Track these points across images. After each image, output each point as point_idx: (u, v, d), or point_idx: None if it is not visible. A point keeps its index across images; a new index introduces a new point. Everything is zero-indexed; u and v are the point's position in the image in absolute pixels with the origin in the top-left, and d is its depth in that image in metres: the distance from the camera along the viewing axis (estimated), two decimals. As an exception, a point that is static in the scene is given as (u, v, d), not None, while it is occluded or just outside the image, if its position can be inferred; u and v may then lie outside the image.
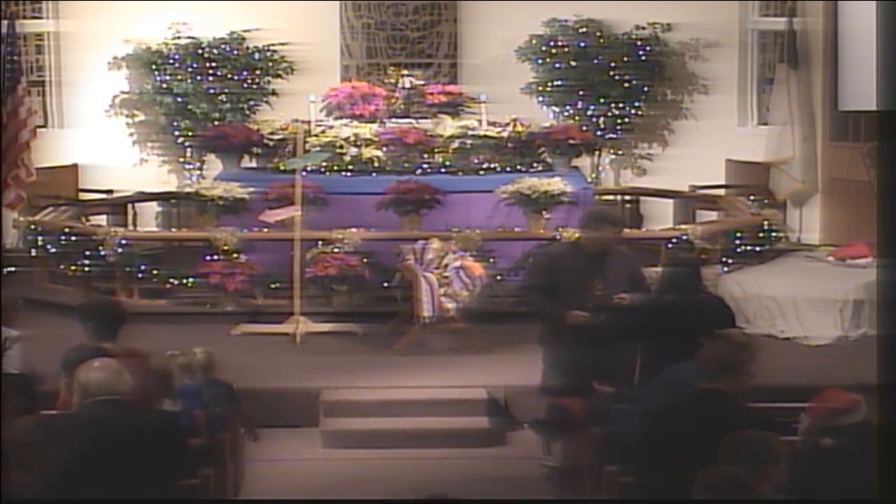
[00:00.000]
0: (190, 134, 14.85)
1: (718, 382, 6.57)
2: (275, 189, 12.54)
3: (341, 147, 13.32)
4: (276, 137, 13.50)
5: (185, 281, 12.26)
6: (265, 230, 12.23)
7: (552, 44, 15.06)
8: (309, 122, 13.53)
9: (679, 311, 8.31)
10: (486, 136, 13.51)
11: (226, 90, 14.90)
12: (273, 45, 15.05)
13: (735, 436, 5.82)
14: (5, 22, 13.87)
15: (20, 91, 13.75)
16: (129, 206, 14.59)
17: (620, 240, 9.18)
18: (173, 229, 14.55)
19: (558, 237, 12.31)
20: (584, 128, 14.21)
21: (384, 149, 13.35)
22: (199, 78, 14.89)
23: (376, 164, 13.30)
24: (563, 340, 8.79)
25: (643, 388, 7.81)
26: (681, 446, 6.41)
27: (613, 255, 8.93)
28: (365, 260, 12.13)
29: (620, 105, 15.05)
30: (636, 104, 15.13)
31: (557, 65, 15.03)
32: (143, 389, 6.90)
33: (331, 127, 13.57)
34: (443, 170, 13.33)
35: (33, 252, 12.81)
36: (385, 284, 12.01)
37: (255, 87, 15.05)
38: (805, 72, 14.84)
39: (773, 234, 13.02)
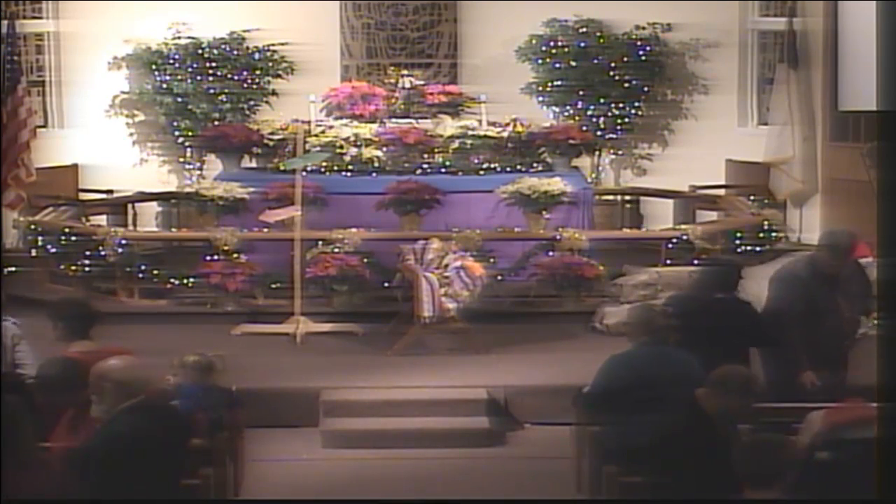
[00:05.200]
0: (190, 134, 14.86)
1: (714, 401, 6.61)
2: (275, 189, 12.55)
3: (341, 147, 13.32)
4: (276, 137, 13.51)
5: (185, 281, 12.26)
6: (265, 230, 12.23)
7: (552, 44, 15.07)
8: (309, 122, 13.54)
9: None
10: (486, 136, 13.51)
11: (226, 90, 14.92)
12: (273, 45, 15.06)
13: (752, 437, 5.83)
14: (5, 22, 13.87)
15: (20, 91, 13.75)
16: (129, 206, 14.59)
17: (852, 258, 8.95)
18: (173, 229, 14.56)
19: (558, 237, 12.32)
20: (584, 128, 14.22)
21: (384, 149, 13.36)
22: (199, 78, 14.91)
23: (376, 164, 13.30)
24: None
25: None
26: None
27: (850, 273, 8.80)
28: (365, 260, 12.12)
29: (620, 105, 15.06)
30: (636, 104, 15.14)
31: (557, 65, 15.03)
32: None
33: (331, 127, 13.58)
34: (443, 170, 13.34)
35: (33, 252, 12.80)
36: (385, 284, 12.00)
37: (255, 87, 15.07)
38: (805, 72, 14.85)
39: (773, 234, 13.01)
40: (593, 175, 15.12)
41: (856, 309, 8.71)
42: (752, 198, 13.78)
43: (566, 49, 15.04)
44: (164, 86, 14.92)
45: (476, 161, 13.46)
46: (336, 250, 12.11)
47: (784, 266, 9.06)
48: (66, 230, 12.64)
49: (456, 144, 13.46)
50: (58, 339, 7.75)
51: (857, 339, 8.86)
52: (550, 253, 12.34)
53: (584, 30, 15.08)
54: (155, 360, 7.72)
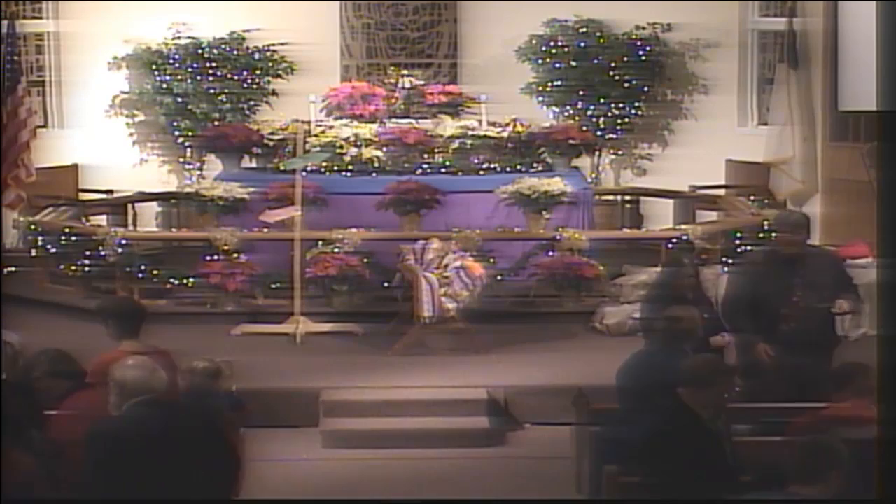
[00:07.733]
0: (190, 134, 14.86)
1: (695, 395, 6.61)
2: (275, 189, 12.55)
3: (341, 147, 13.32)
4: (276, 137, 13.51)
5: (185, 281, 12.26)
6: (265, 230, 12.23)
7: (552, 44, 15.07)
8: (309, 122, 13.53)
9: None
10: (486, 136, 13.51)
11: (226, 90, 14.92)
12: (273, 45, 15.06)
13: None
14: (5, 22, 13.88)
15: (20, 91, 13.76)
16: (129, 206, 14.59)
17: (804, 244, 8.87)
18: (173, 229, 14.56)
19: (558, 237, 12.32)
20: (584, 128, 14.21)
21: (384, 149, 13.36)
22: (199, 78, 14.90)
23: (376, 164, 13.30)
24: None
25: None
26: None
27: (814, 258, 8.77)
28: (365, 260, 12.13)
29: (620, 105, 15.06)
30: (636, 104, 15.13)
31: (557, 65, 15.03)
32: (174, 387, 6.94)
33: (331, 127, 13.57)
34: (443, 170, 13.33)
35: (33, 252, 12.81)
36: (385, 284, 12.01)
37: (255, 87, 15.07)
38: (805, 72, 14.84)
39: (774, 234, 13.01)
40: (593, 175, 15.12)
41: (823, 298, 8.64)
42: (752, 198, 13.78)
43: (566, 49, 15.04)
44: (164, 86, 14.92)
45: (476, 161, 13.46)
46: (336, 250, 12.12)
47: (746, 253, 9.17)
48: (66, 230, 12.64)
49: (456, 144, 13.46)
50: (109, 336, 7.82)
51: (836, 332, 8.83)
52: (550, 253, 12.34)
53: (584, 30, 15.07)
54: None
